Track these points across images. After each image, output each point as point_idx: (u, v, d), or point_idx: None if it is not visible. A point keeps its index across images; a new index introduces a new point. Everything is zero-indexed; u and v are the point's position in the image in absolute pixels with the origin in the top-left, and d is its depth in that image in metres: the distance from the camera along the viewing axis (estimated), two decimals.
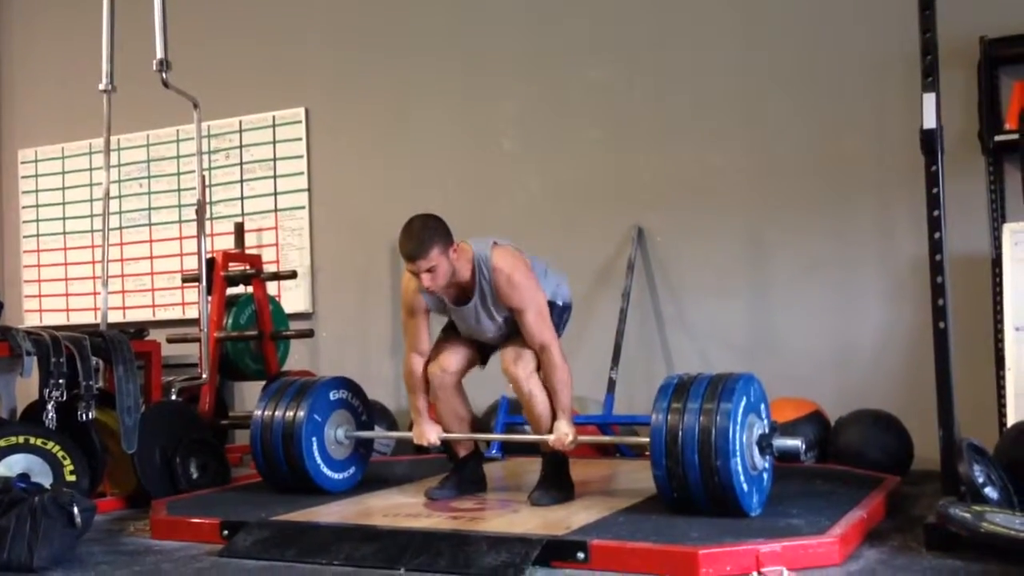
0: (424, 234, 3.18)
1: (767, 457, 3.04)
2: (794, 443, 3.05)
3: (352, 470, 3.73)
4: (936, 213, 2.98)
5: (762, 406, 3.09)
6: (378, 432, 3.96)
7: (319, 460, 3.59)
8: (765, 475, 3.06)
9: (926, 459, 3.88)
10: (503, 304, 3.31)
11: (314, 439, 3.58)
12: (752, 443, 2.96)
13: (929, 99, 3.00)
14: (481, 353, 3.58)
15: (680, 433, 2.89)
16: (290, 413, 3.59)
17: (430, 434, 3.49)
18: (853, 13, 4.58)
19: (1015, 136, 4.08)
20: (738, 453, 2.86)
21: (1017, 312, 3.79)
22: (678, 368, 4.80)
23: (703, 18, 4.90)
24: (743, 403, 2.94)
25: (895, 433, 4.05)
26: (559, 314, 3.45)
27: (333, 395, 3.69)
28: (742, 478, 2.87)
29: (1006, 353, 3.81)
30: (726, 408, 2.88)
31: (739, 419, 2.90)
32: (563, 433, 3.28)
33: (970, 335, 3.94)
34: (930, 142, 3.00)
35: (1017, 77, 4.18)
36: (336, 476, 3.65)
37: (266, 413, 3.64)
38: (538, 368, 3.35)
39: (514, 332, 3.40)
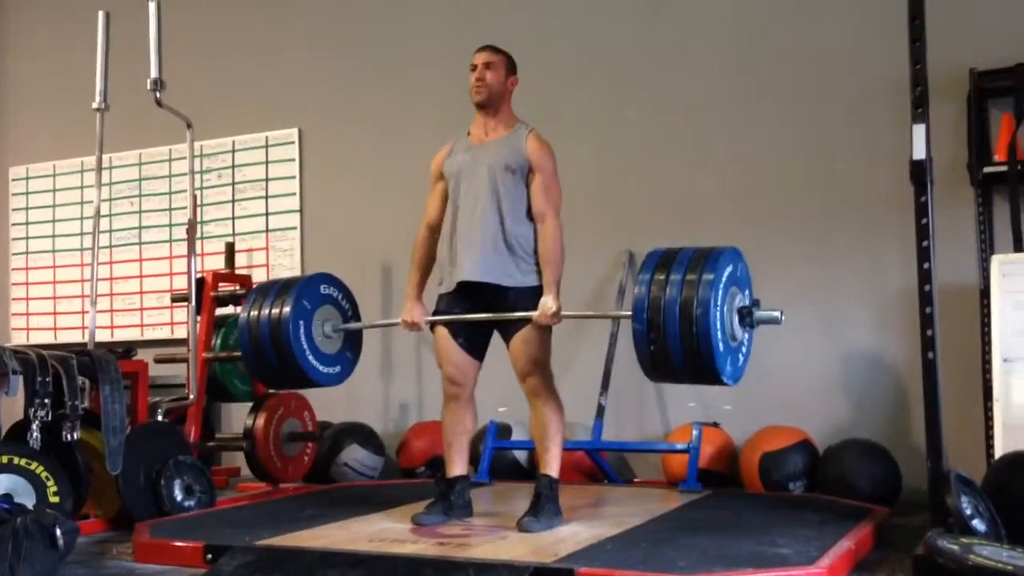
0: (501, 49, 3.59)
1: (747, 330, 3.09)
2: (774, 313, 3.12)
3: (340, 367, 3.78)
4: (925, 243, 3.00)
5: (746, 282, 3.14)
6: (366, 324, 3.96)
7: (306, 347, 3.62)
8: (743, 349, 3.11)
9: (914, 490, 3.88)
10: (525, 154, 3.42)
11: (302, 323, 3.61)
12: (733, 312, 3.01)
13: (919, 130, 3.03)
14: (477, 351, 3.52)
15: (662, 303, 2.94)
16: (278, 301, 3.65)
17: (416, 315, 3.55)
18: (844, 41, 4.62)
19: (1004, 168, 4.11)
20: (718, 322, 2.91)
21: (1005, 343, 3.79)
22: (668, 396, 4.79)
23: (694, 43, 4.94)
24: (727, 272, 2.98)
25: (883, 463, 4.04)
26: None
27: (323, 289, 3.75)
28: (720, 342, 2.91)
29: (994, 384, 3.81)
30: (708, 277, 2.92)
31: (721, 287, 2.94)
32: (548, 306, 3.30)
33: (958, 365, 3.94)
34: (920, 173, 3.02)
35: (1006, 109, 4.21)
36: (325, 369, 3.70)
37: (251, 313, 3.69)
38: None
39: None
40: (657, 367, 3.03)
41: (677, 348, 2.93)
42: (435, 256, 3.61)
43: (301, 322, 3.62)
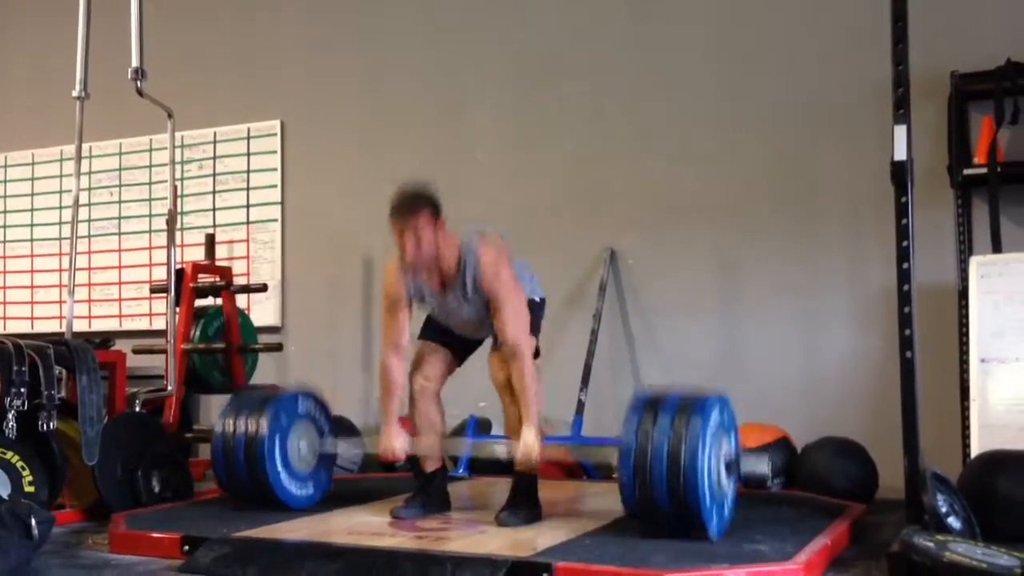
0: (416, 199, 3.21)
1: (732, 481, 3.04)
2: (762, 471, 3.03)
3: (312, 490, 3.68)
4: (905, 244, 3.02)
5: (732, 430, 3.09)
6: (342, 445, 3.90)
7: (280, 467, 3.53)
8: (727, 500, 3.05)
9: (891, 487, 3.90)
10: (484, 293, 3.27)
11: (277, 438, 3.52)
12: (720, 465, 2.96)
13: (900, 131, 3.04)
14: (460, 355, 3.56)
15: (649, 451, 2.88)
16: (253, 419, 3.55)
17: (396, 441, 3.39)
18: (827, 41, 4.64)
19: (983, 170, 4.14)
20: (705, 473, 2.85)
21: (982, 343, 3.83)
22: None
23: (679, 39, 4.95)
24: (713, 422, 2.93)
25: (860, 461, 4.06)
26: (539, 310, 3.45)
27: (300, 406, 3.67)
28: (707, 497, 2.86)
29: (971, 384, 3.85)
30: (695, 429, 2.87)
31: (708, 439, 2.88)
32: (530, 447, 3.20)
33: (936, 365, 3.98)
34: (900, 174, 3.04)
35: (986, 112, 4.23)
36: (298, 492, 3.61)
37: (227, 424, 3.60)
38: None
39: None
40: (643, 517, 2.98)
41: (664, 497, 2.86)
42: (404, 379, 3.44)
43: (277, 436, 3.53)
